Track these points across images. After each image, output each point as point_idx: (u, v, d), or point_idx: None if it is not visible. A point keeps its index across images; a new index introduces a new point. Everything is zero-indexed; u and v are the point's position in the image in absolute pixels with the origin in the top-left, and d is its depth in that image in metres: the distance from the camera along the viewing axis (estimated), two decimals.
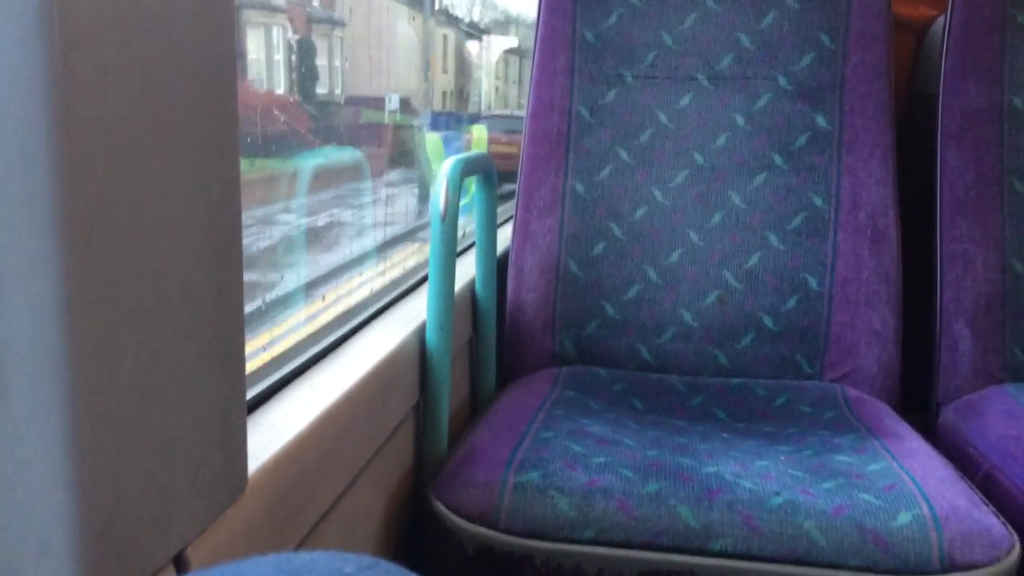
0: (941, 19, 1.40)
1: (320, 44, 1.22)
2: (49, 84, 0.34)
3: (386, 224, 1.44)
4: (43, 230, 0.35)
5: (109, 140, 0.37)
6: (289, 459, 0.59)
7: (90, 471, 0.37)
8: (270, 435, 0.60)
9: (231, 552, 0.50)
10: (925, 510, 0.81)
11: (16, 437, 0.37)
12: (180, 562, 0.46)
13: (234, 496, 0.51)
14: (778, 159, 1.25)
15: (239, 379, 0.51)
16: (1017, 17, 1.23)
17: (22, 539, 0.37)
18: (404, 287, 1.11)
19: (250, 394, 0.67)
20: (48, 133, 0.34)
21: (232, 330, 0.50)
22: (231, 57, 0.47)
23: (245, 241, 0.51)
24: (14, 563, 0.38)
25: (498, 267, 1.21)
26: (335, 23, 1.32)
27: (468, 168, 1.00)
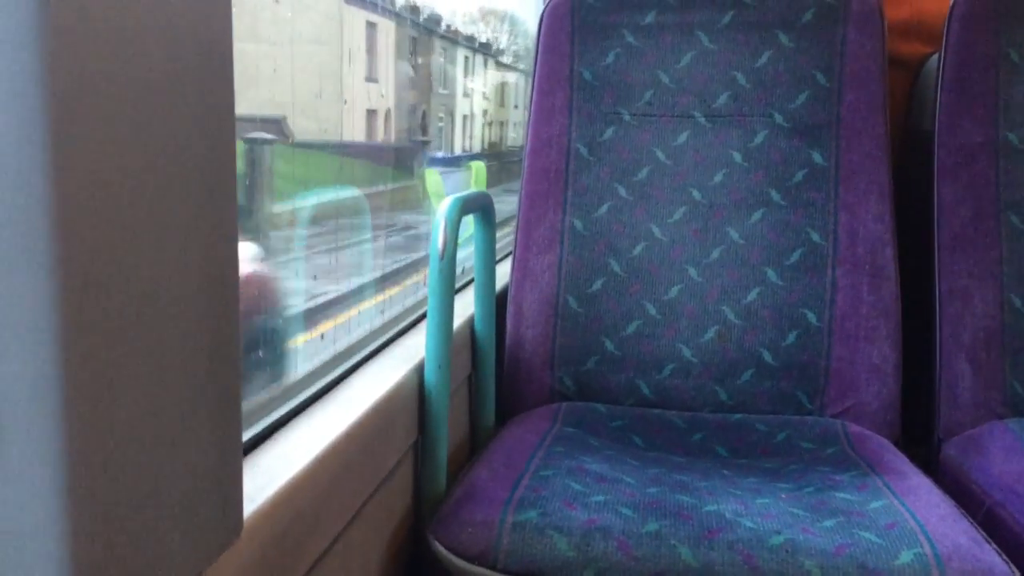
0: (936, 56, 1.41)
1: None
2: (44, 132, 0.35)
3: None
4: (38, 276, 0.35)
5: (105, 187, 0.38)
6: (286, 501, 0.59)
7: (81, 519, 0.37)
8: (266, 476, 0.60)
9: None
10: (927, 548, 0.81)
11: (8, 483, 0.36)
12: None
13: (229, 541, 0.51)
14: (775, 195, 1.25)
15: (235, 422, 0.51)
16: (1011, 54, 1.25)
17: None
18: (403, 324, 1.11)
19: (247, 435, 0.66)
20: (43, 183, 0.35)
21: (228, 373, 0.50)
22: (229, 103, 0.48)
23: None
24: None
25: (497, 303, 1.21)
26: None
27: (467, 207, 1.00)
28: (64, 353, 0.36)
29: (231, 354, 0.50)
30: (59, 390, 0.36)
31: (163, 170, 0.42)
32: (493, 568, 0.81)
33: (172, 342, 0.43)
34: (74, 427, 0.36)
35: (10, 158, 0.35)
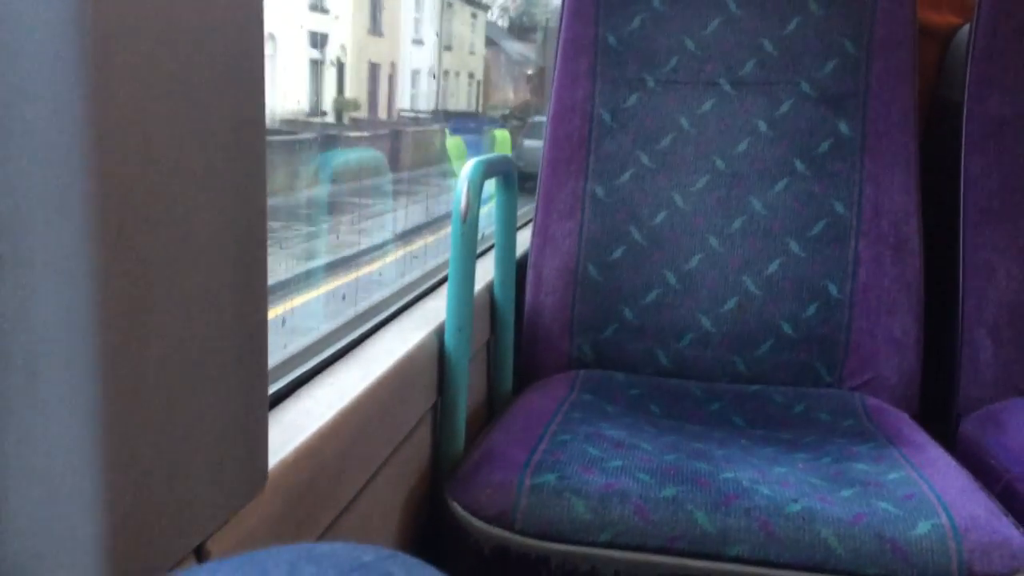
0: (966, 27, 1.39)
1: None
2: (82, 79, 0.35)
3: None
4: (74, 221, 0.36)
5: (139, 135, 0.38)
6: (309, 455, 0.60)
7: (115, 460, 0.38)
8: (290, 431, 0.61)
9: (251, 545, 0.50)
10: (944, 520, 0.81)
11: (44, 425, 0.37)
12: (201, 553, 0.46)
13: (254, 490, 0.51)
14: (800, 165, 1.24)
15: (262, 375, 0.52)
16: None
17: (49, 527, 0.38)
18: (424, 287, 1.12)
19: (271, 390, 0.67)
20: (80, 127, 0.35)
21: (255, 327, 0.50)
22: (260, 48, 0.48)
23: None
24: (42, 550, 0.38)
25: (517, 270, 1.21)
26: None
27: (489, 170, 1.00)
28: (96, 297, 0.36)
29: (259, 309, 0.50)
30: (92, 334, 0.36)
31: (196, 119, 0.42)
32: (510, 529, 0.82)
33: (201, 295, 0.44)
34: (106, 369, 0.37)
35: (45, 104, 0.35)
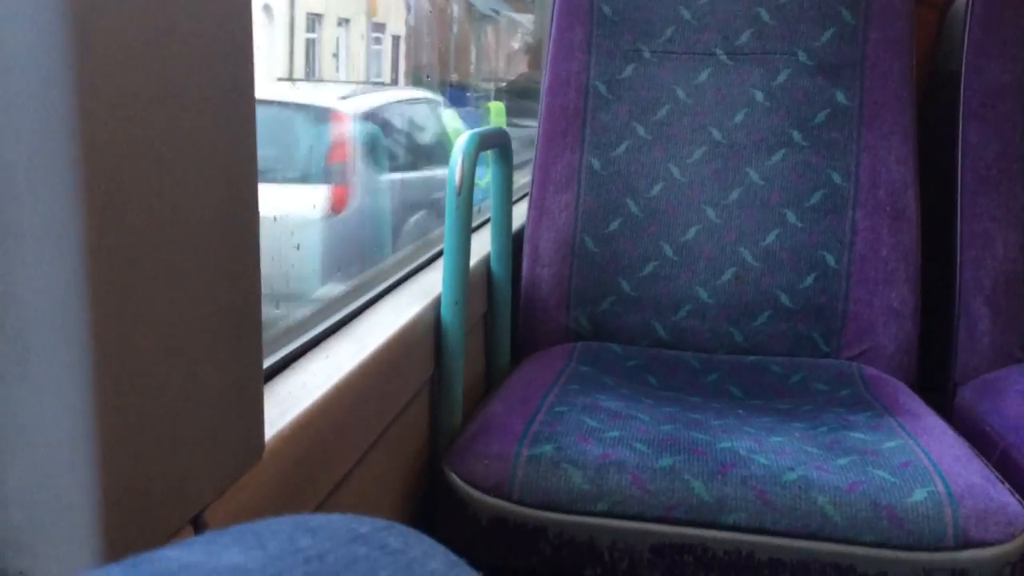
0: None
1: None
2: (68, 50, 0.34)
3: None
4: (64, 194, 0.35)
5: (127, 106, 0.38)
6: (305, 427, 0.60)
7: (110, 430, 0.38)
8: (287, 403, 0.61)
9: (248, 516, 0.51)
10: (940, 487, 0.81)
11: (37, 397, 0.37)
12: (198, 524, 0.46)
13: (251, 461, 0.51)
14: (797, 136, 1.24)
15: (256, 347, 0.52)
16: None
17: (44, 498, 0.38)
18: (420, 260, 1.11)
19: (267, 363, 0.67)
20: (67, 99, 0.35)
21: (249, 299, 0.50)
22: (248, 19, 0.47)
23: None
24: (37, 521, 0.38)
25: (513, 243, 1.21)
26: None
27: (484, 142, 1.00)
28: (88, 270, 0.36)
29: (252, 281, 0.50)
30: (83, 306, 0.36)
31: (184, 92, 0.41)
32: (508, 499, 0.82)
33: (194, 266, 0.43)
34: (98, 341, 0.37)
35: (34, 71, 0.34)
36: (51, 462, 0.37)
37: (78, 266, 0.36)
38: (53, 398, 0.37)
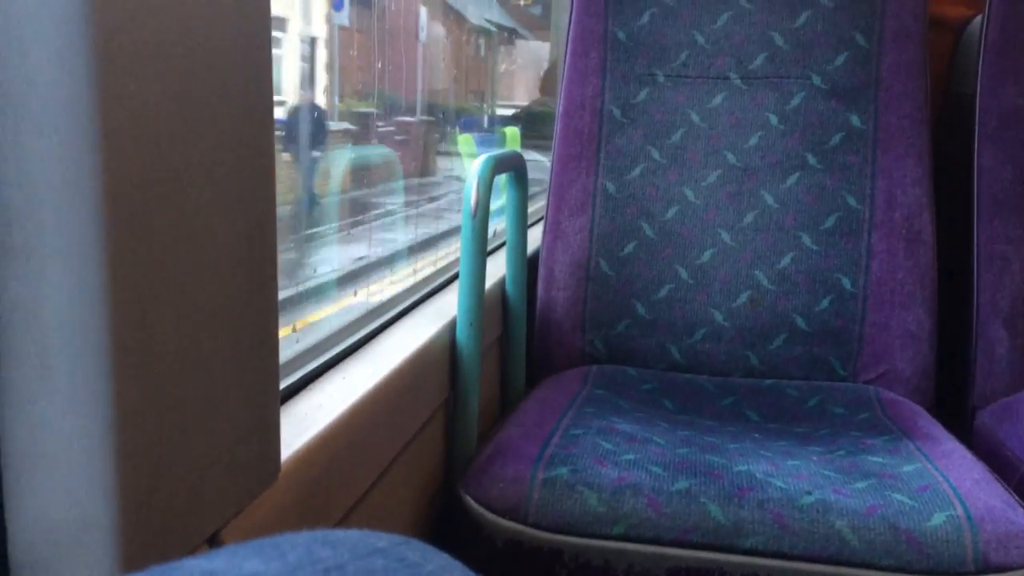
0: (979, 18, 1.38)
1: None
2: (90, 72, 0.35)
3: None
4: (85, 212, 0.36)
5: (148, 125, 0.38)
6: (321, 448, 0.60)
7: (128, 449, 0.38)
8: (303, 424, 0.61)
9: (264, 535, 0.51)
10: (960, 511, 0.80)
11: (57, 413, 0.37)
12: (215, 542, 0.46)
13: (267, 481, 0.52)
14: (812, 159, 1.24)
15: (273, 368, 0.52)
16: None
17: (64, 514, 0.38)
18: (436, 284, 1.12)
19: (283, 384, 0.68)
20: (89, 119, 0.35)
21: (266, 320, 0.50)
22: (267, 41, 0.48)
23: None
24: (57, 540, 0.38)
25: (529, 266, 1.21)
26: None
27: (499, 166, 1.00)
28: (108, 286, 0.36)
29: (269, 303, 0.51)
30: (103, 322, 0.37)
31: (204, 110, 0.42)
32: (524, 522, 0.82)
33: (212, 287, 0.44)
34: (118, 358, 0.37)
35: (58, 93, 0.35)
36: (72, 480, 0.38)
37: (98, 285, 0.36)
38: (74, 416, 0.37)
